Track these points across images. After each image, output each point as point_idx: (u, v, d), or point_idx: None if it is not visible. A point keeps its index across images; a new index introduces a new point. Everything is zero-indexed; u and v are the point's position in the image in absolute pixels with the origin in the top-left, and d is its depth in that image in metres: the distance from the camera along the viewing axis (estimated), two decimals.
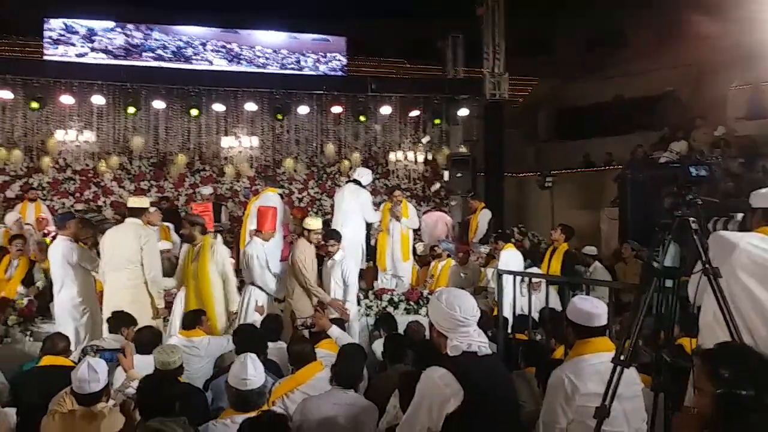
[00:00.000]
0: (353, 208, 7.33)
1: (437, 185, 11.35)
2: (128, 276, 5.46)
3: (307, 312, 5.71)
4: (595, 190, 12.52)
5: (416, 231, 8.44)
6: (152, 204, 7.97)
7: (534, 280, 6.06)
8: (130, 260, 5.47)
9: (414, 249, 8.32)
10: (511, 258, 6.91)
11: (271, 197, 8.06)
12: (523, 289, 6.17)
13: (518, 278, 5.82)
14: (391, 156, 11.02)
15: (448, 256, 7.84)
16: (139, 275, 5.47)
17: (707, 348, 2.19)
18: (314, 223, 5.98)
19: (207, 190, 9.88)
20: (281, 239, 8.07)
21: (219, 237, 6.88)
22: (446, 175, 11.05)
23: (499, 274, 5.02)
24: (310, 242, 6.00)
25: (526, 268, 7.68)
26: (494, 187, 11.10)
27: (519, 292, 5.37)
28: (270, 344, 4.63)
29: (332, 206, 9.07)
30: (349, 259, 6.51)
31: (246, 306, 5.99)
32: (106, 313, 5.23)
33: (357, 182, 7.64)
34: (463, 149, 11.73)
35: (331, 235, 6.15)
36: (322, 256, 6.15)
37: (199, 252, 5.65)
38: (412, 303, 7.30)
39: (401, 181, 11.23)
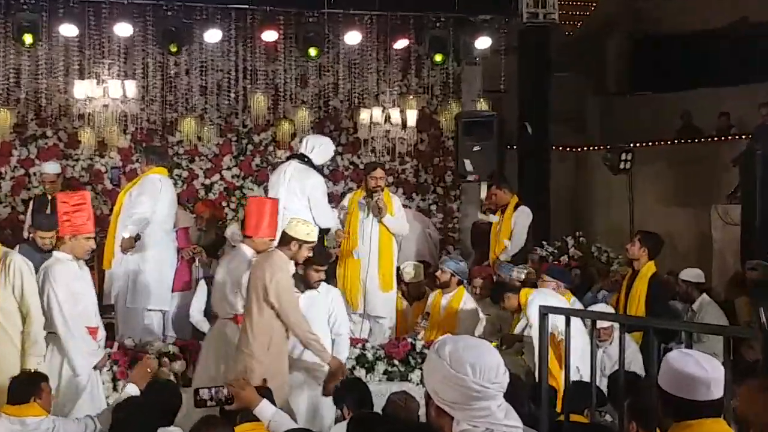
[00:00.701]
0: (296, 200, 7.34)
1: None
2: None
3: (279, 378, 5.82)
4: (702, 174, 12.66)
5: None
6: None
7: (600, 323, 6.09)
8: None
9: (398, 272, 8.38)
10: (551, 294, 6.98)
11: (155, 183, 8.09)
12: (581, 339, 6.25)
13: (575, 321, 5.84)
14: (363, 115, 10.95)
15: (459, 283, 7.89)
16: None
17: None
18: (310, 230, 6.13)
19: (51, 169, 9.78)
20: (169, 254, 8.16)
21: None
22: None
23: (543, 314, 5.03)
24: (297, 262, 6.16)
25: (588, 303, 7.73)
26: (534, 168, 11.13)
27: (576, 345, 5.39)
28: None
29: None
30: (337, 292, 6.76)
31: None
32: None
33: (305, 159, 7.68)
34: (482, 105, 11.74)
35: (318, 252, 6.40)
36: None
37: None
38: (395, 361, 7.35)
39: (379, 158, 11.21)
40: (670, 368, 3.15)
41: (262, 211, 6.67)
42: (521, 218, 9.15)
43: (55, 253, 6.22)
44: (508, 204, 9.23)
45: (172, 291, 8.22)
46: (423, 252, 9.48)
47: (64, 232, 6.01)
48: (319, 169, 7.72)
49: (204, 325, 7.64)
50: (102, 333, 6.47)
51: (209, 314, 7.47)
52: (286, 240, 6.08)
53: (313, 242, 6.15)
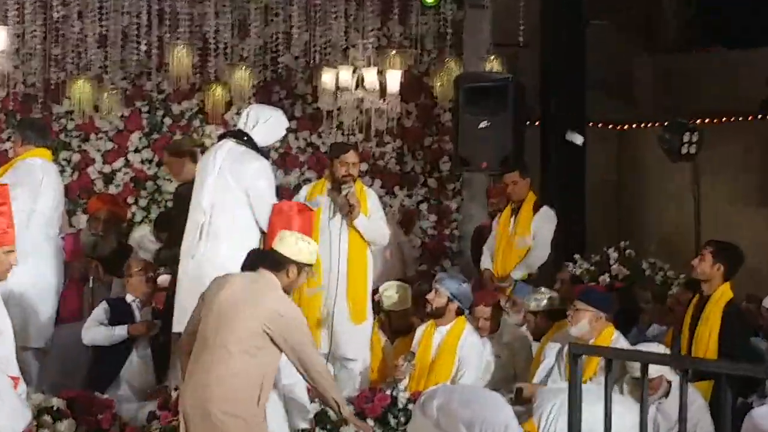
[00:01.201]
0: (229, 196, 7.34)
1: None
2: None
3: None
4: None
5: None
6: None
7: (653, 369, 6.06)
8: None
9: (375, 296, 8.35)
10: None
11: (33, 170, 7.98)
12: (627, 389, 6.19)
13: (618, 365, 5.80)
14: (326, 78, 10.92)
15: (459, 312, 7.87)
16: None
17: None
18: (313, 249, 6.10)
19: None
20: (52, 270, 8.01)
21: None
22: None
23: (575, 355, 5.03)
24: (287, 292, 6.12)
25: (633, 341, 7.70)
26: (564, 153, 11.14)
27: (621, 396, 5.35)
28: None
29: (180, 194, 8.89)
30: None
31: None
32: None
33: (243, 137, 7.63)
34: (492, 65, 11.71)
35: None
36: None
37: None
38: (372, 420, 7.26)
39: (348, 137, 11.16)
40: (755, 429, 3.15)
41: (288, 223, 6.60)
42: (546, 223, 9.19)
43: None
44: (523, 201, 9.30)
45: (56, 322, 8.12)
46: (394, 270, 9.44)
47: None
48: (264, 153, 7.62)
49: (100, 335, 7.71)
50: (23, 386, 6.37)
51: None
52: (281, 263, 6.00)
53: (311, 264, 6.10)
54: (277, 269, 5.94)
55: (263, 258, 6.15)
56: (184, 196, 7.83)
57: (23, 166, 7.97)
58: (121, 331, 7.74)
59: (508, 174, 9.60)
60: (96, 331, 7.80)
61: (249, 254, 6.55)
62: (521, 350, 7.91)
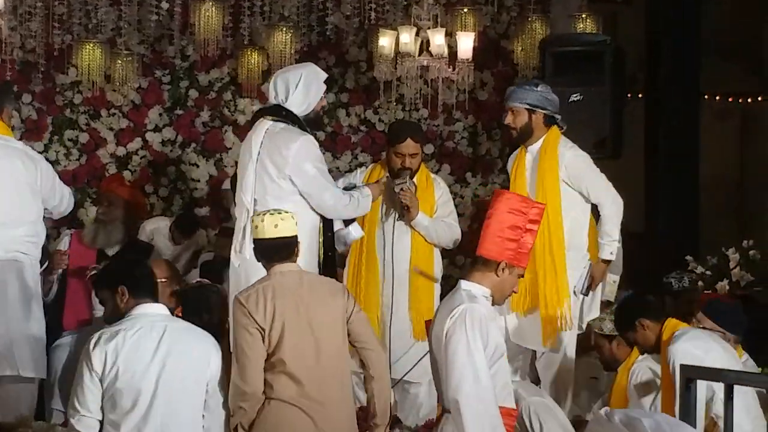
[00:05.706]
0: (273, 187, 7.33)
1: None
2: None
3: None
4: None
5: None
6: None
7: None
8: None
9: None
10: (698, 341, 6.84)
11: (22, 158, 7.90)
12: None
13: (746, 398, 5.86)
14: (384, 41, 10.88)
15: (550, 121, 7.99)
16: None
17: None
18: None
19: None
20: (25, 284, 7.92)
21: None
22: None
23: (688, 379, 5.12)
24: None
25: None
26: (674, 131, 11.11)
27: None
28: None
29: (232, 179, 8.89)
30: None
31: None
32: None
33: (281, 112, 7.56)
34: (586, 25, 11.67)
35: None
36: None
37: None
38: None
39: (410, 113, 11.19)
40: None
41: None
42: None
43: None
44: None
45: (63, 330, 8.18)
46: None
47: None
48: (309, 122, 7.53)
49: None
50: None
51: None
52: (294, 245, 6.15)
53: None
54: (292, 254, 6.11)
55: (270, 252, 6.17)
56: None
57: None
58: None
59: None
60: None
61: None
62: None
